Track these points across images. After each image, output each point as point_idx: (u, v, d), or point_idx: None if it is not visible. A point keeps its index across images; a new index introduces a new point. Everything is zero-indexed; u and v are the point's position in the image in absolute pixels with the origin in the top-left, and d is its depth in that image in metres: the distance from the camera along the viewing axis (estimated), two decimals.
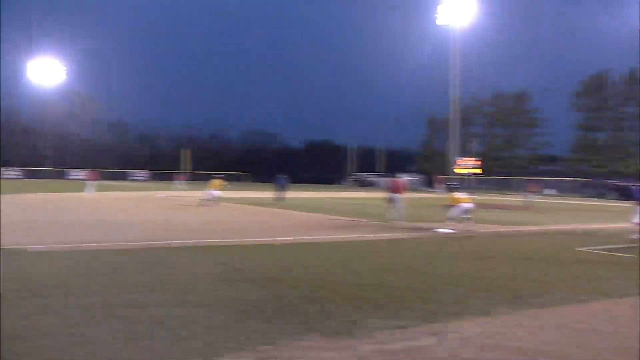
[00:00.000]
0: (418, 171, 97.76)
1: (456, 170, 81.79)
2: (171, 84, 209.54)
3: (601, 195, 58.42)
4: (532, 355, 5.77)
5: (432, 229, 19.04)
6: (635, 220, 18.61)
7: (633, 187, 20.75)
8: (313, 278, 9.82)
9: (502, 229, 20.20)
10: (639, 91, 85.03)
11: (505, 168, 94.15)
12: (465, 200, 19.19)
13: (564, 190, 66.56)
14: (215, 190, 30.01)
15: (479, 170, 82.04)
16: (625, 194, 53.13)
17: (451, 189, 19.93)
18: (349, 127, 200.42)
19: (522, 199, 37.97)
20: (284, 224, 20.60)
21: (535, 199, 35.87)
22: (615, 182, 60.75)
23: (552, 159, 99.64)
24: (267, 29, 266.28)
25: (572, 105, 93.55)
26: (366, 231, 18.47)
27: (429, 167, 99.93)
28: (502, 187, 76.75)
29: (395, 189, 21.95)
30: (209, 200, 29.58)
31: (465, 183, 79.00)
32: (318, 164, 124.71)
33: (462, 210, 19.02)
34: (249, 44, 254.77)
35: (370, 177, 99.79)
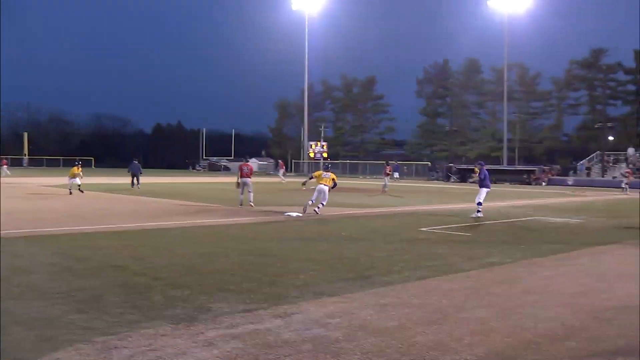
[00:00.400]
0: (270, 155, 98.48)
1: (310, 155, 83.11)
2: (8, 59, 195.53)
3: (446, 178, 61.89)
4: (376, 332, 5.96)
5: (283, 212, 19.22)
6: (478, 199, 19.92)
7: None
8: (159, 265, 9.55)
9: (351, 212, 20.78)
10: (477, 80, 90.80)
11: (353, 152, 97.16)
12: (325, 181, 19.54)
13: (409, 173, 69.82)
14: (73, 177, 28.07)
15: (326, 154, 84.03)
16: (465, 177, 56.65)
17: (325, 169, 20.44)
18: (201, 111, 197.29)
19: (382, 182, 38.87)
20: (133, 210, 19.94)
21: (388, 182, 36.92)
22: (457, 166, 64.70)
23: (399, 144, 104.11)
24: (114, 10, 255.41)
25: (416, 92, 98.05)
26: (216, 216, 18.31)
27: (281, 151, 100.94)
28: (352, 171, 79.01)
29: (245, 174, 21.95)
30: (75, 187, 27.71)
31: (315, 167, 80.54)
32: (169, 149, 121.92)
33: (319, 191, 19.37)
34: (96, 24, 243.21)
35: (223, 161, 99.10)
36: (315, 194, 19.43)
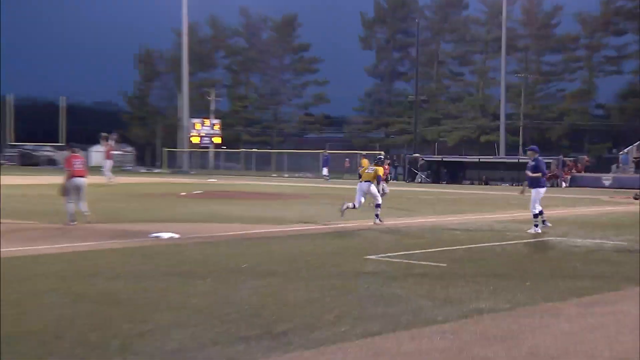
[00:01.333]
0: (127, 140, 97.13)
1: (193, 140, 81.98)
2: None
3: (410, 176, 62.48)
4: None
5: (148, 232, 19.06)
6: (533, 208, 20.45)
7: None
8: None
9: (258, 230, 20.81)
10: (458, 19, 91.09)
11: (263, 136, 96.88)
12: (366, 177, 23.23)
13: (351, 169, 69.80)
14: None
15: (219, 140, 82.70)
16: (455, 175, 57.40)
17: (377, 163, 24.43)
18: (5, 68, 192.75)
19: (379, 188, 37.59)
20: None
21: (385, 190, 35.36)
22: (426, 157, 65.49)
23: (335, 122, 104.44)
24: None
25: (361, 39, 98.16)
26: (34, 241, 18.10)
27: (145, 133, 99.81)
28: (261, 164, 78.26)
29: (79, 171, 21.66)
30: None
31: (201, 160, 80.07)
32: None
33: (360, 191, 22.98)
34: None
35: (43, 150, 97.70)
36: (357, 194, 23.13)
